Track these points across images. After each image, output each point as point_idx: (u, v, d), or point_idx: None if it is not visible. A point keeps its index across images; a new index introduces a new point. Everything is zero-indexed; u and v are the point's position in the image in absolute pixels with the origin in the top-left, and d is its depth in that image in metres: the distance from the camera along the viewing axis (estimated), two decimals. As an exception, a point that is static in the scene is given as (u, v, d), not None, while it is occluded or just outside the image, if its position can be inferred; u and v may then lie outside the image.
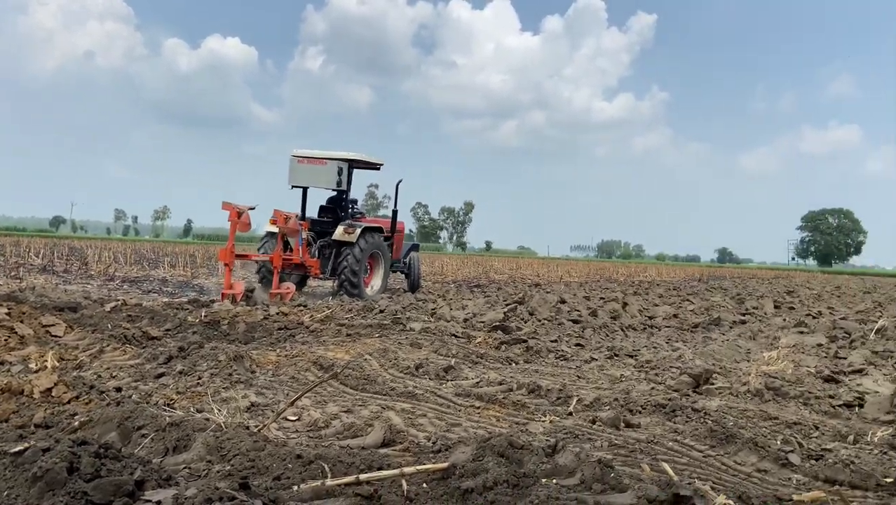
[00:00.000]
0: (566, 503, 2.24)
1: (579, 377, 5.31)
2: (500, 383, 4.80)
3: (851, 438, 3.74)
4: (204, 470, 2.67)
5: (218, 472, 2.62)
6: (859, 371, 5.49)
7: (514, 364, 5.87)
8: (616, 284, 21.06)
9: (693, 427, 3.75)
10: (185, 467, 2.70)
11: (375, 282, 12.32)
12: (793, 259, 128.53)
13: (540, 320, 8.69)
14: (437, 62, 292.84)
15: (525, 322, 8.46)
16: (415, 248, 14.39)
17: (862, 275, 68.45)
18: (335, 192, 12.44)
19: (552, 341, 7.00)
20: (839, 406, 4.66)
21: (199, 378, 4.46)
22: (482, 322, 8.08)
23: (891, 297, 20.33)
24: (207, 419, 3.30)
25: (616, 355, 6.41)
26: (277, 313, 7.98)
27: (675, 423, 3.91)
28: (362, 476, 2.42)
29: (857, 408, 4.63)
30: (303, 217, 12.08)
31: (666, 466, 2.91)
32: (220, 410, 3.66)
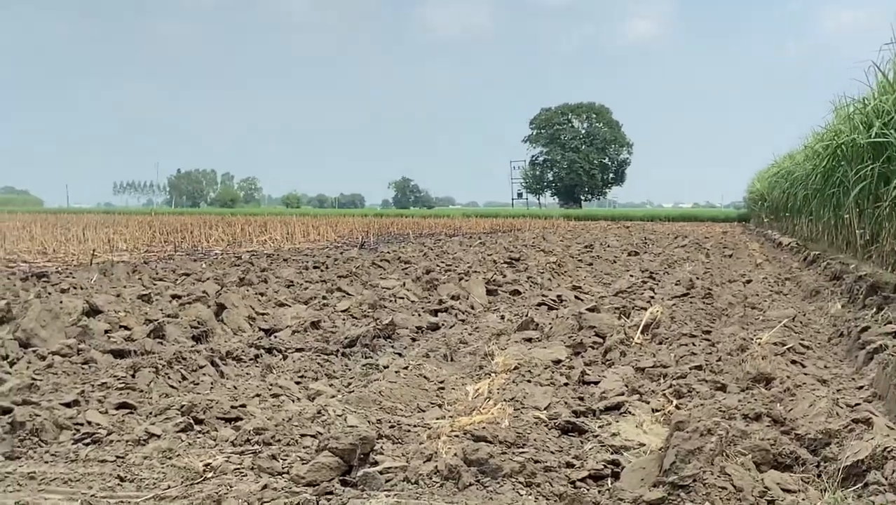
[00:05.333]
0: None
1: (121, 481, 2.71)
2: None
3: None
4: None
5: None
6: (616, 407, 3.49)
7: None
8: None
9: None
10: None
11: None
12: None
13: (44, 358, 4.45)
14: None
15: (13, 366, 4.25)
16: None
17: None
18: None
19: (66, 406, 3.67)
20: (582, 481, 2.69)
21: None
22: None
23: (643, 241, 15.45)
24: None
25: (200, 421, 3.41)
26: None
27: None
28: None
29: (609, 480, 2.70)
30: None
31: None
32: None
